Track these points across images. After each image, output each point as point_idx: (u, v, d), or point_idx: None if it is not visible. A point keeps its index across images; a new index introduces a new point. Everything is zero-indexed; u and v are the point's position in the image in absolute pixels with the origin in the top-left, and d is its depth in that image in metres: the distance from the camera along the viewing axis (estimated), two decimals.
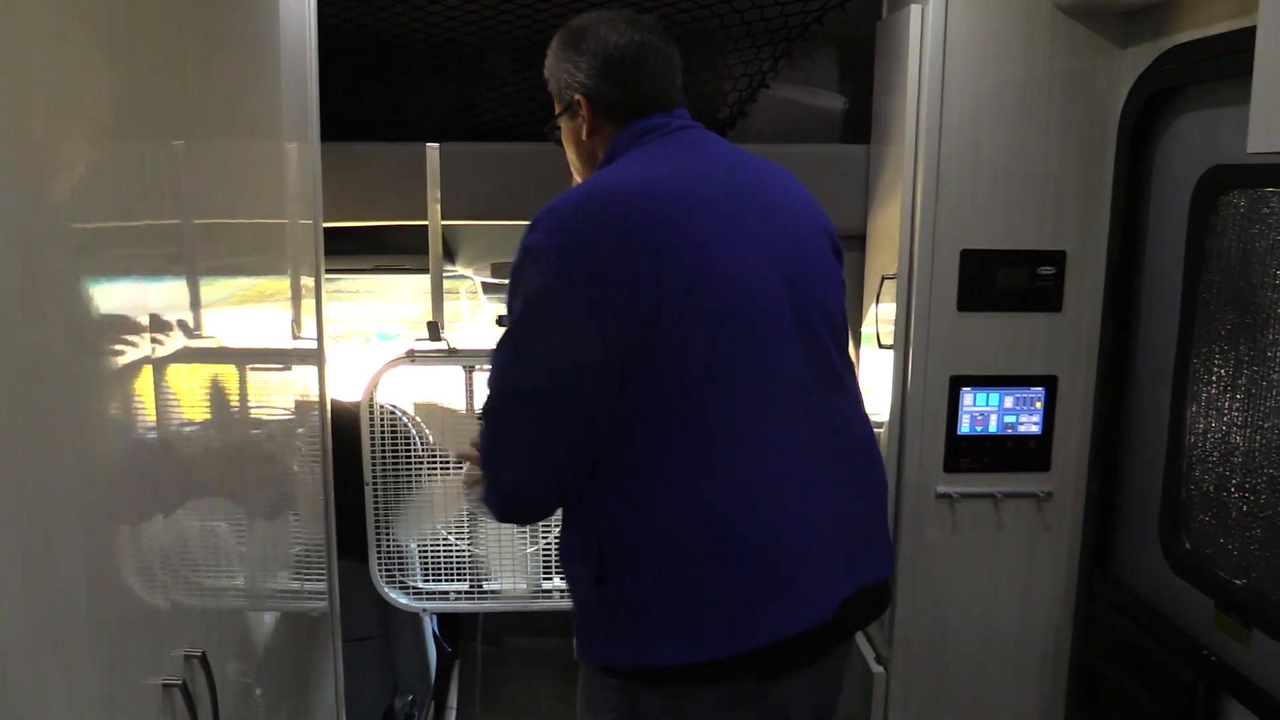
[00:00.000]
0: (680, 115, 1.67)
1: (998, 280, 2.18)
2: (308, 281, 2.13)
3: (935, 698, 2.36)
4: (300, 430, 2.12)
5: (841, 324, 1.65)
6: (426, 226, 2.41)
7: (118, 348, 1.04)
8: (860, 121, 2.49)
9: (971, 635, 2.34)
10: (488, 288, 3.43)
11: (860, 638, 2.51)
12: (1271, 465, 1.76)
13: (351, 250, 3.19)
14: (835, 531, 1.54)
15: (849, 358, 1.65)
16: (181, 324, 1.28)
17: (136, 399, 1.11)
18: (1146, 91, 2.04)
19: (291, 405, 2.07)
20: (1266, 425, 1.78)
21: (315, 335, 2.14)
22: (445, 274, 3.38)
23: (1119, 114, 2.13)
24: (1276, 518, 1.75)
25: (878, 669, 2.36)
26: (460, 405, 2.49)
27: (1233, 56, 1.76)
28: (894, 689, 2.34)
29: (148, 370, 1.13)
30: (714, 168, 1.60)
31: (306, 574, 2.16)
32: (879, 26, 2.38)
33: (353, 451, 2.49)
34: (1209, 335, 1.92)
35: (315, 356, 2.15)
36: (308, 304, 2.14)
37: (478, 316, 3.96)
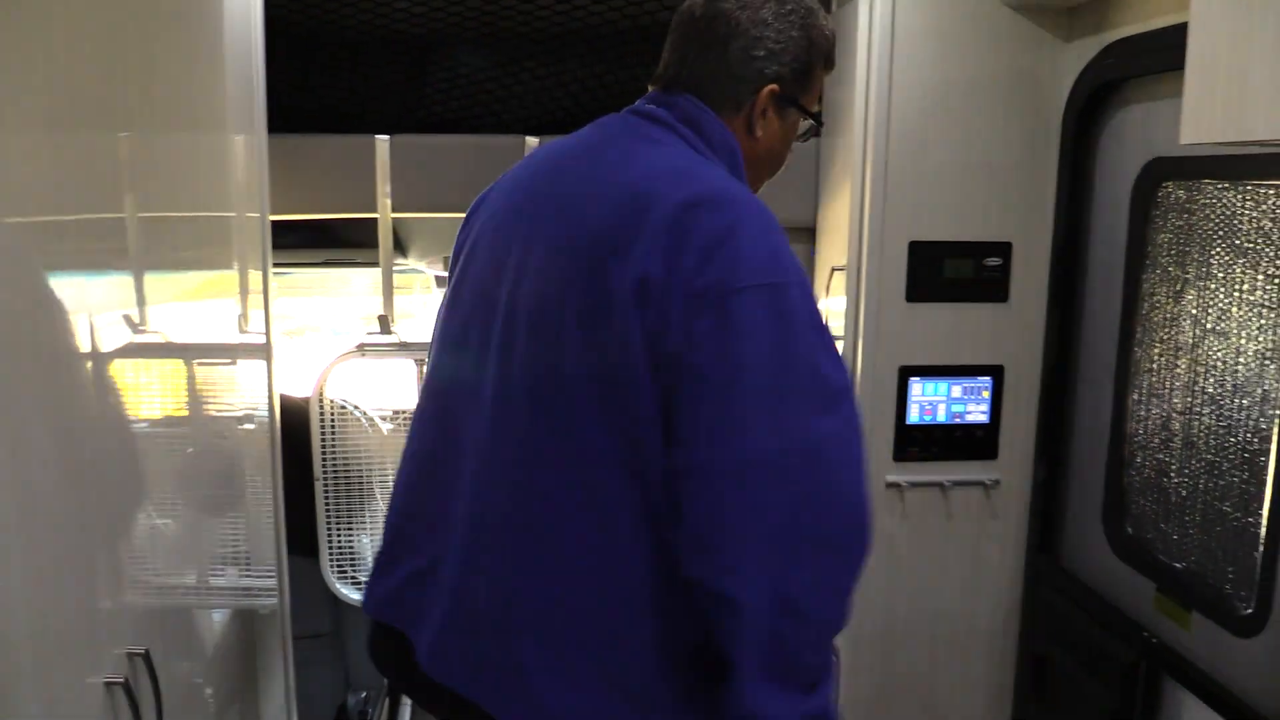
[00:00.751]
0: (659, 96, 1.42)
1: (945, 271, 2.21)
2: (255, 275, 2.11)
3: (885, 685, 2.39)
4: (249, 426, 2.10)
5: (576, 396, 1.22)
6: (377, 220, 2.40)
7: (58, 344, 1.03)
8: None
9: (921, 623, 2.37)
10: (440, 281, 3.41)
11: None
12: (1209, 451, 1.81)
13: (301, 244, 3.16)
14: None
15: (586, 440, 1.22)
16: (126, 319, 1.27)
17: (79, 395, 1.10)
18: (1089, 85, 2.07)
19: (239, 400, 2.05)
20: (1204, 412, 1.82)
21: (263, 330, 2.12)
22: (397, 267, 3.36)
23: (1063, 107, 2.17)
24: (1213, 502, 1.79)
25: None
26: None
27: (1170, 51, 1.79)
28: (844, 674, 2.37)
29: (90, 366, 1.12)
30: (557, 155, 1.42)
31: (255, 571, 2.14)
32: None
33: (305, 447, 2.46)
34: (1150, 324, 1.96)
35: (263, 351, 2.13)
36: (256, 298, 2.12)
37: (431, 309, 3.94)
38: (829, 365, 1.19)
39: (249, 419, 2.09)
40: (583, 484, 1.23)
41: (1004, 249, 2.22)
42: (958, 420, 2.28)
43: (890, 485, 2.28)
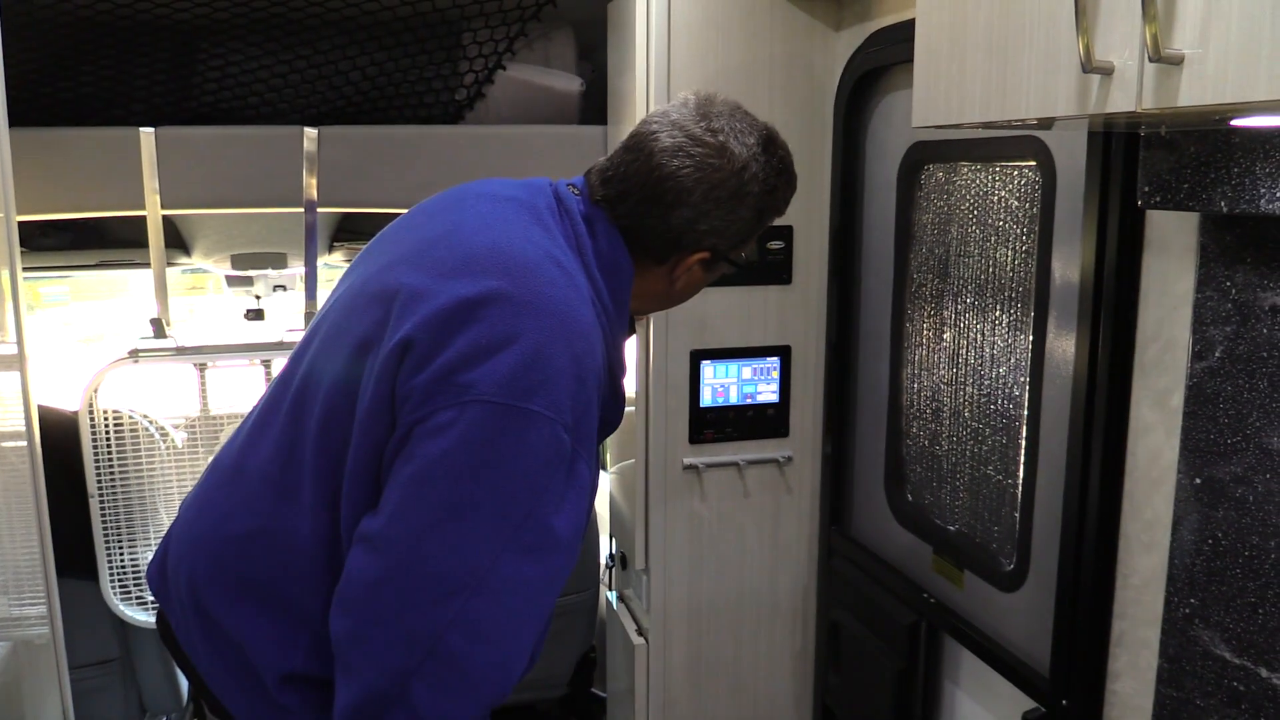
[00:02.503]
0: (582, 182, 1.45)
1: None
2: (3, 280, 1.95)
3: (695, 662, 2.44)
4: (3, 444, 1.95)
5: (352, 489, 1.24)
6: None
7: None
8: (599, 103, 2.52)
9: (725, 599, 2.43)
10: (231, 280, 3.25)
11: (622, 611, 2.56)
12: (974, 419, 1.91)
13: (73, 245, 2.96)
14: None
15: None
16: None
17: None
18: (856, 73, 2.16)
19: None
20: (967, 382, 1.92)
21: (14, 338, 1.96)
22: (185, 267, 3.19)
23: (835, 94, 2.24)
24: (979, 467, 1.90)
25: (639, 640, 2.41)
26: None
27: None
28: (654, 658, 2.40)
29: None
30: (414, 220, 1.45)
31: (20, 599, 2.00)
32: (610, 8, 2.41)
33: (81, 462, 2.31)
34: (917, 300, 2.06)
35: (16, 361, 1.97)
36: (9, 304, 1.96)
37: (221, 310, 3.77)
38: (552, 513, 1.17)
39: (3, 436, 1.94)
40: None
41: (785, 232, 2.29)
42: (749, 401, 2.34)
43: (688, 468, 2.32)
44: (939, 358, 2.00)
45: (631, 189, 1.36)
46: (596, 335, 1.26)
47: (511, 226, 1.30)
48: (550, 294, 1.21)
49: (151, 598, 2.43)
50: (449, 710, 1.16)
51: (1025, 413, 1.75)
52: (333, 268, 3.26)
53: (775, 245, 2.29)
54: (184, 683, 2.79)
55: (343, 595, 1.19)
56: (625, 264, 1.36)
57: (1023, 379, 1.76)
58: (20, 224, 2.01)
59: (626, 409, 2.38)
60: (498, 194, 1.39)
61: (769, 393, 2.35)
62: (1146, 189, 1.32)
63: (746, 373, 2.32)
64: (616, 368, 1.39)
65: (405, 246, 1.34)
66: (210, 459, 1.50)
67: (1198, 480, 1.33)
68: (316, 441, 1.27)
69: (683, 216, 1.35)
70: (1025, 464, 1.75)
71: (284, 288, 3.23)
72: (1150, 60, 0.92)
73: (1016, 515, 1.78)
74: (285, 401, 1.34)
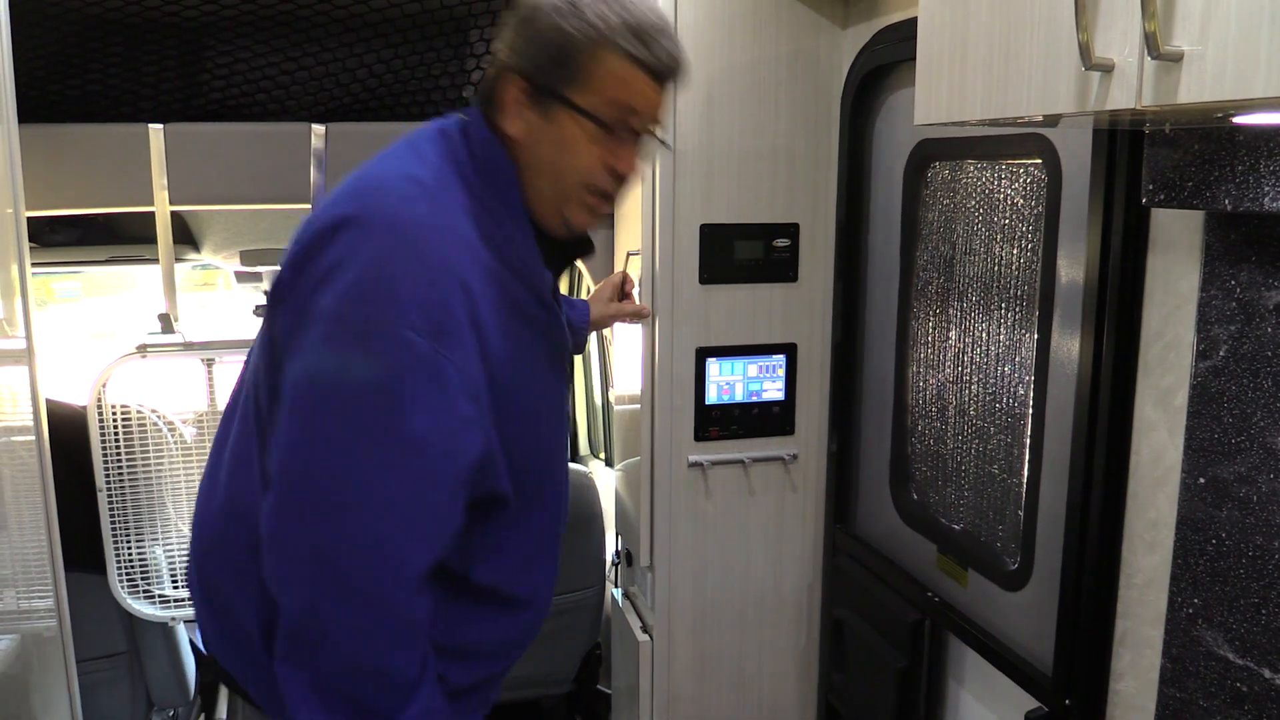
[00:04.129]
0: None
1: (736, 253, 2.26)
2: (12, 275, 1.96)
3: (700, 658, 2.44)
4: (12, 438, 1.97)
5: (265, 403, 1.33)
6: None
7: None
8: None
9: (729, 596, 2.43)
10: (240, 276, 3.27)
11: (627, 608, 2.56)
12: (979, 417, 1.91)
13: (82, 241, 2.98)
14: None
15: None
16: None
17: None
18: (863, 70, 2.15)
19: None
20: (972, 380, 1.92)
21: (23, 333, 1.98)
22: (196, 263, 3.21)
23: (841, 91, 2.24)
24: (984, 466, 1.90)
25: (644, 637, 2.42)
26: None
27: None
28: (659, 655, 2.41)
29: None
30: None
31: (29, 592, 2.01)
32: None
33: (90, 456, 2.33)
34: (923, 298, 2.05)
35: (24, 356, 1.98)
36: (17, 299, 1.97)
37: (232, 306, 3.79)
38: (413, 420, 1.18)
39: (12, 430, 1.96)
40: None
41: (791, 230, 2.29)
42: (755, 398, 2.34)
43: (693, 465, 2.32)
44: (944, 356, 1.99)
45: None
46: (462, 240, 1.24)
47: (381, 160, 1.31)
48: (397, 209, 1.21)
49: (159, 591, 2.44)
50: (359, 625, 1.21)
51: (1030, 411, 1.74)
52: None
53: (781, 242, 2.28)
54: (192, 676, 2.80)
55: (262, 537, 1.25)
56: (502, 161, 1.31)
57: (1027, 377, 1.75)
58: (30, 220, 2.03)
59: (631, 406, 2.40)
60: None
61: (774, 390, 2.35)
62: (1151, 187, 1.32)
63: (752, 370, 2.32)
64: (530, 275, 1.35)
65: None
66: None
67: (1201, 480, 1.32)
68: (249, 405, 1.36)
69: (497, 35, 1.36)
70: (1029, 462, 1.75)
71: None
72: (1150, 57, 0.92)
73: (1020, 514, 1.77)
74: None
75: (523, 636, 1.52)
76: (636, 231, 2.28)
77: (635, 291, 2.09)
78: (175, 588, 2.44)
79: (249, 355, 1.44)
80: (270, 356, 1.28)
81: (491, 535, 1.39)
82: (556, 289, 1.51)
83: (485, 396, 1.25)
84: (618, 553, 2.66)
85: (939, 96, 1.27)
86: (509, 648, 1.51)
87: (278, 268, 1.29)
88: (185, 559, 2.38)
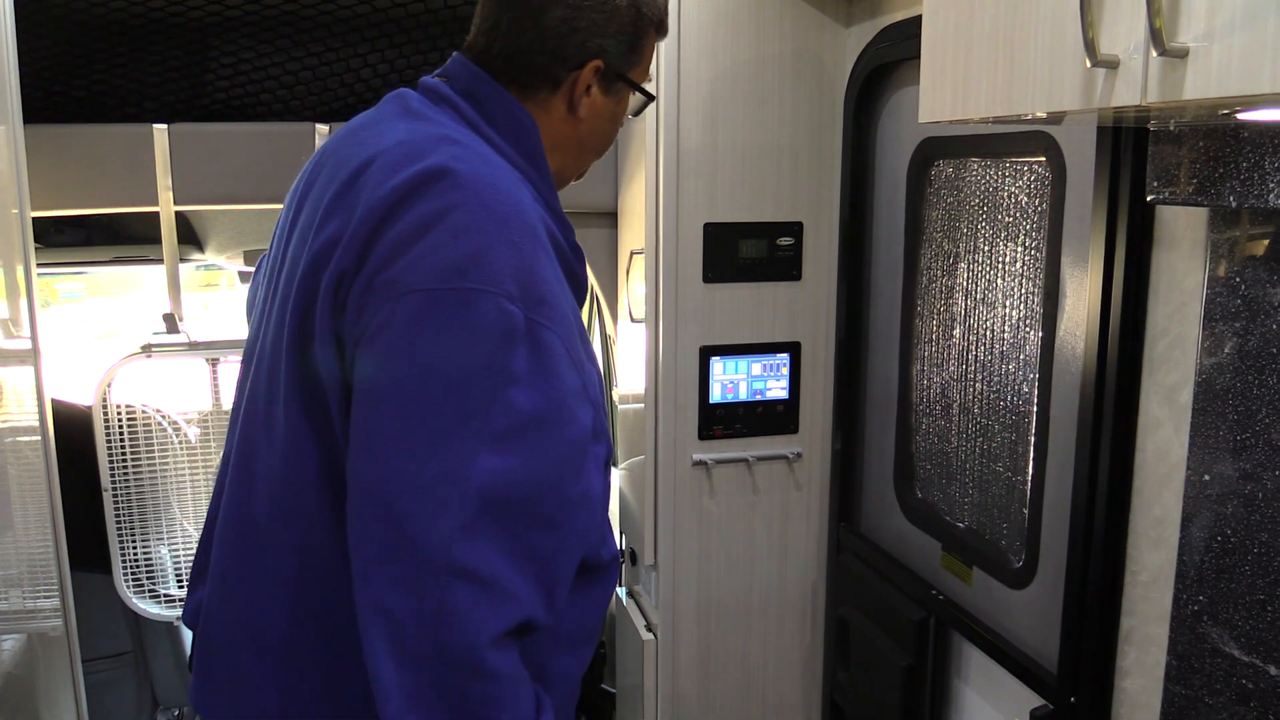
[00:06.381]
0: (446, 68, 1.31)
1: (740, 252, 2.26)
2: (18, 275, 1.97)
3: (704, 657, 2.44)
4: (18, 438, 1.97)
5: (289, 380, 1.16)
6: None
7: None
8: None
9: (734, 595, 2.43)
10: (245, 276, 3.28)
11: (632, 607, 2.56)
12: (983, 415, 1.91)
13: (87, 241, 2.98)
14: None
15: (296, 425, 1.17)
16: None
17: None
18: (866, 68, 2.15)
19: (4, 410, 1.92)
20: (977, 378, 1.92)
21: (29, 333, 1.98)
22: (200, 263, 3.22)
23: (845, 90, 2.24)
24: (988, 464, 1.90)
25: (648, 636, 2.42)
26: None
27: None
28: (664, 653, 2.41)
29: None
30: (335, 137, 1.31)
31: (34, 591, 2.01)
32: None
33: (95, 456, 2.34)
34: (927, 297, 2.05)
35: (30, 356, 1.99)
36: (23, 300, 1.98)
37: (237, 307, 3.79)
38: (517, 393, 1.05)
39: (17, 430, 1.96)
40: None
41: (795, 229, 2.29)
42: (759, 397, 2.34)
43: (697, 464, 2.32)
44: (948, 353, 1.99)
45: (500, 17, 1.24)
46: (524, 198, 1.14)
47: (392, 130, 1.19)
48: (460, 169, 1.09)
49: (164, 591, 2.45)
50: (491, 624, 1.03)
51: (1034, 408, 1.74)
52: None
53: (785, 241, 2.28)
54: None
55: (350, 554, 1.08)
56: (525, 119, 1.24)
57: (1032, 375, 1.75)
58: (35, 220, 2.03)
59: (635, 405, 2.40)
60: (353, 127, 1.27)
61: (778, 389, 2.35)
62: (1155, 184, 1.32)
63: (756, 369, 2.32)
64: (567, 232, 1.26)
65: (302, 214, 1.23)
66: (223, 454, 1.50)
67: (1207, 476, 1.32)
68: (273, 411, 1.22)
69: (556, 16, 1.22)
70: (1034, 460, 1.75)
71: None
72: (1156, 53, 0.92)
73: (1025, 512, 1.77)
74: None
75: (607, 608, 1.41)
76: (640, 230, 2.28)
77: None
78: (180, 587, 2.44)
79: (254, 357, 1.31)
80: (308, 350, 1.13)
81: None
82: None
83: (583, 365, 1.16)
84: (621, 551, 2.66)
85: (943, 94, 1.27)
86: (601, 624, 1.37)
87: None
88: (190, 558, 2.39)
